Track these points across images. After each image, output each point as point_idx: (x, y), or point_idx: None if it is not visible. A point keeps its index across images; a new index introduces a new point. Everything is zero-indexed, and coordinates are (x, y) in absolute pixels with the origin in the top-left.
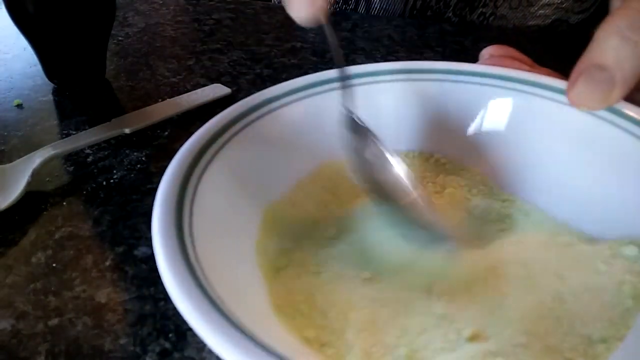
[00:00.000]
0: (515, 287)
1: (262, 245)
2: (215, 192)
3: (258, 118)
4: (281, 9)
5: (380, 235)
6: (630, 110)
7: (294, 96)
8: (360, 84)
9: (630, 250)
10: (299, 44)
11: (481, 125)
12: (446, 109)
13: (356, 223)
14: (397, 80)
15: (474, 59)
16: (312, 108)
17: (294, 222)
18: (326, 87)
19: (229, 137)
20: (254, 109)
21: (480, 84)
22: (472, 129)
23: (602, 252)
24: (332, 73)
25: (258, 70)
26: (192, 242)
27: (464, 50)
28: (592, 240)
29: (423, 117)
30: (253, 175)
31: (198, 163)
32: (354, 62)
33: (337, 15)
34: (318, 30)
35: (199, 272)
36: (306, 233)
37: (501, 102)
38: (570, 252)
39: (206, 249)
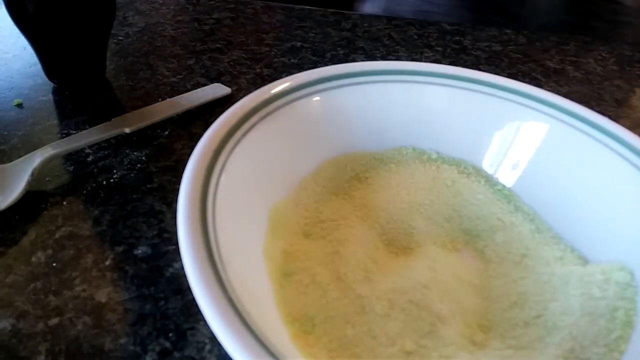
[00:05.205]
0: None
1: (269, 248)
2: (231, 193)
3: (260, 120)
4: (281, 9)
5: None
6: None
7: (289, 97)
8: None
9: (622, 277)
10: (299, 44)
11: (490, 133)
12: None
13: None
14: (439, 85)
15: (474, 59)
16: (307, 107)
17: (299, 221)
18: (328, 85)
19: (240, 137)
20: (254, 111)
21: (509, 101)
22: (481, 135)
23: (596, 276)
24: (336, 69)
25: (258, 70)
26: (218, 249)
27: (464, 50)
28: (584, 261)
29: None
30: (259, 176)
31: (213, 167)
32: (354, 62)
33: (337, 15)
34: (318, 29)
35: (225, 281)
36: (312, 234)
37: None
38: (569, 273)
39: (229, 254)
